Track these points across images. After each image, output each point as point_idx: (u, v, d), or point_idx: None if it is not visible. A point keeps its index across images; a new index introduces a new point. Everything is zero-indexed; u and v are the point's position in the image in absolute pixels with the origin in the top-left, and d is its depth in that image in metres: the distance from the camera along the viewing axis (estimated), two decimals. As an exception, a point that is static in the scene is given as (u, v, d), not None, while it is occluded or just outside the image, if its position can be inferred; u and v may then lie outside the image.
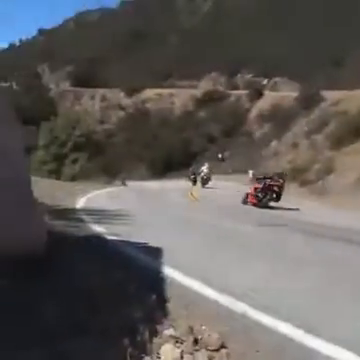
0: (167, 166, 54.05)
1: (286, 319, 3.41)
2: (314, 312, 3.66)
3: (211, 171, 27.77)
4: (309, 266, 5.47)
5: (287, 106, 53.65)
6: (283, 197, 14.34)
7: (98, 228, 7.68)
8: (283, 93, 64.33)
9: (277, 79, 75.07)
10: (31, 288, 3.22)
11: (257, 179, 14.89)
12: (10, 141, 3.99)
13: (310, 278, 4.84)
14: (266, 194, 14.05)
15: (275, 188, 14.05)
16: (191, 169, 31.17)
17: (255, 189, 14.43)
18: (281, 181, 14.25)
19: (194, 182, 26.22)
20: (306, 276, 4.93)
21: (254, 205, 14.20)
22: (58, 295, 3.11)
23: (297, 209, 14.47)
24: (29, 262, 3.70)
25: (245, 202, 14.77)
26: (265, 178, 14.47)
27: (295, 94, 53.06)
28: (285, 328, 3.26)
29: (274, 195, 14.10)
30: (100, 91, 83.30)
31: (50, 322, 2.71)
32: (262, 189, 14.10)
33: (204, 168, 27.55)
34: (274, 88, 72.72)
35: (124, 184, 29.43)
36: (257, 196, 14.19)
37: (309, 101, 41.73)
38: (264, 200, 14.03)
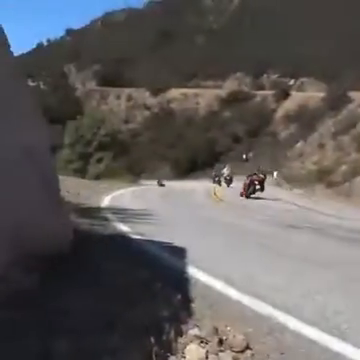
0: (191, 166, 54.10)
1: (311, 322, 3.38)
2: (340, 314, 3.60)
3: (232, 172, 28.42)
4: (335, 268, 5.39)
5: (314, 107, 52.99)
6: (312, 198, 14.92)
7: (123, 227, 7.75)
8: (310, 93, 63.55)
9: (304, 79, 74.15)
10: (58, 285, 3.28)
11: (247, 176, 18.30)
12: (37, 140, 4.06)
13: (335, 279, 4.77)
14: (250, 187, 17.88)
15: (256, 182, 17.96)
16: (214, 173, 31.98)
17: (244, 184, 18.18)
18: (262, 176, 18.03)
19: (219, 183, 27.02)
20: (331, 277, 4.85)
21: (246, 197, 17.81)
22: (84, 293, 3.16)
23: (323, 211, 14.32)
24: (56, 260, 3.77)
25: (241, 195, 18.17)
26: (252, 175, 18.09)
27: (322, 94, 52.33)
28: (310, 331, 3.23)
29: (257, 187, 17.95)
30: (126, 91, 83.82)
31: (77, 318, 2.76)
32: (248, 184, 17.92)
33: (225, 170, 28.57)
34: (301, 88, 71.89)
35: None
36: (245, 189, 18.04)
37: (336, 102, 41.09)
38: (249, 192, 17.86)
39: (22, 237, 3.36)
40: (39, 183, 3.85)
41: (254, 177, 17.92)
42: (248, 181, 17.99)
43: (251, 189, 17.88)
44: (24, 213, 3.40)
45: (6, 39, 3.71)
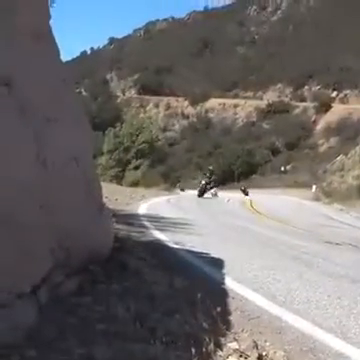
0: (228, 176, 53.71)
1: (354, 342, 3.28)
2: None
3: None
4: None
5: (356, 119, 51.79)
6: (352, 214, 16.98)
7: (160, 235, 7.78)
8: (353, 106, 62.23)
9: (347, 91, 72.56)
10: (100, 291, 3.31)
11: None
12: (83, 146, 4.12)
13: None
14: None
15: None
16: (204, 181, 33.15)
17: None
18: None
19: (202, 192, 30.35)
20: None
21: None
22: (126, 299, 3.17)
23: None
24: (96, 265, 3.80)
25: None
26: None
27: (365, 107, 51.15)
28: (353, 351, 3.14)
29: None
30: (165, 99, 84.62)
31: (117, 324, 2.77)
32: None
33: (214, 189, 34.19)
34: (344, 101, 70.41)
35: (246, 193, 31.80)
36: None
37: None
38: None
39: (65, 242, 3.40)
40: (83, 188, 3.89)
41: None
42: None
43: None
44: (68, 218, 3.44)
45: (56, 47, 3.81)
